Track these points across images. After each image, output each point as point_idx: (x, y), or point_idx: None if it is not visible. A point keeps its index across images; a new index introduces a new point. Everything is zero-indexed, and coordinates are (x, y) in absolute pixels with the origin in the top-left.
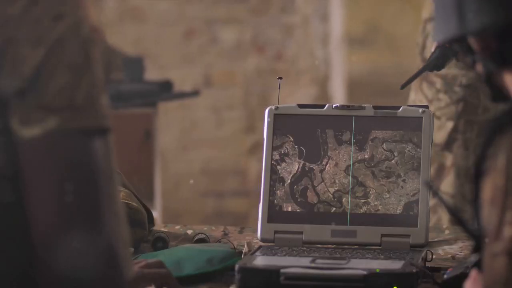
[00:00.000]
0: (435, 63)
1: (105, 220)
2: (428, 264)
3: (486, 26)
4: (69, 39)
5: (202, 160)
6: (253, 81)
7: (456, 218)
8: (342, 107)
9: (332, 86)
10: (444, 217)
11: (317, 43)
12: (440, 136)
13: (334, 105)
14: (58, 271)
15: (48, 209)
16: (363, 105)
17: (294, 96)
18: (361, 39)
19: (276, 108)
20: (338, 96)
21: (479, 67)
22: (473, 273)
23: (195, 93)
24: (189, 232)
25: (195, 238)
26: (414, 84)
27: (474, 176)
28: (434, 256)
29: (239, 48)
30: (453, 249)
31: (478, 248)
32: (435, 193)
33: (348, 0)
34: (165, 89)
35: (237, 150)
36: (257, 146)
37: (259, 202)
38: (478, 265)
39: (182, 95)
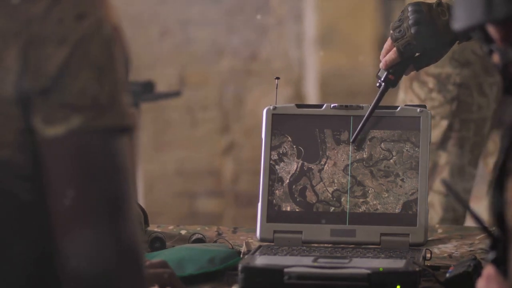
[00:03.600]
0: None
1: (127, 217)
2: (427, 263)
3: None
4: (92, 38)
5: (176, 160)
6: (227, 81)
7: (474, 217)
8: (340, 107)
9: (306, 86)
10: (435, 217)
11: (291, 44)
12: (434, 135)
13: (332, 105)
14: (81, 267)
15: (72, 207)
16: (361, 105)
17: (269, 96)
18: (332, 39)
19: (274, 108)
20: (312, 97)
21: (496, 57)
22: (487, 270)
23: (176, 94)
24: (183, 232)
25: (193, 238)
26: (404, 84)
27: (498, 176)
28: (432, 255)
29: (213, 49)
30: (448, 247)
31: (495, 246)
32: (453, 192)
33: (320, 1)
34: (147, 90)
35: (212, 150)
36: (232, 146)
37: (258, 201)
38: (496, 262)
39: (164, 96)
